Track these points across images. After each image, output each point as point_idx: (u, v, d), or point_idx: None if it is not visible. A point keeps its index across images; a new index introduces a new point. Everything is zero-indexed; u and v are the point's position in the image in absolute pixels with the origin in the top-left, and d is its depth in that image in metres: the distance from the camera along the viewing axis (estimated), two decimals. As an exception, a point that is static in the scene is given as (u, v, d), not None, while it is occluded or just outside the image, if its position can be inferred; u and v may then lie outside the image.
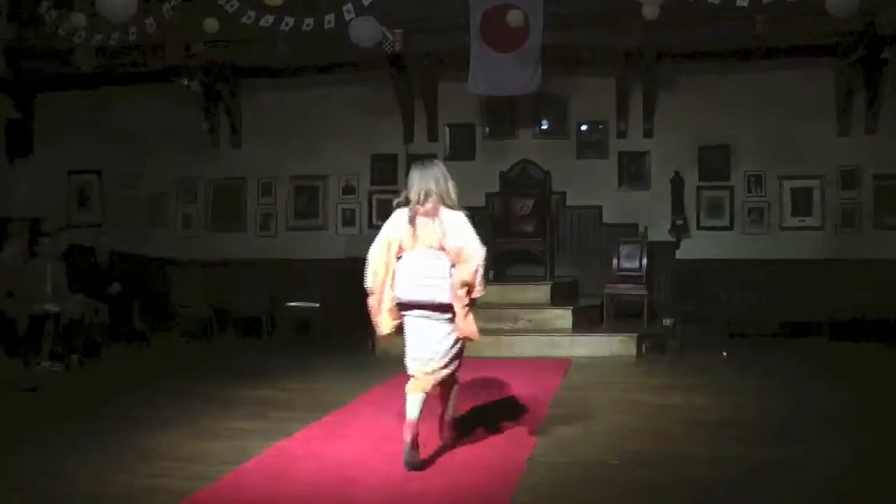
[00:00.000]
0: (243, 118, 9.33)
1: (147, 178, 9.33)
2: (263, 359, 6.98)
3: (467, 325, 3.75)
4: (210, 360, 6.92)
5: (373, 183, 9.13)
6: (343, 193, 9.20)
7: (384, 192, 9.06)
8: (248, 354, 7.27)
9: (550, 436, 4.27)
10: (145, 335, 7.73)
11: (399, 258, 3.78)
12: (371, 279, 3.80)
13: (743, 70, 8.29)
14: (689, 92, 8.46)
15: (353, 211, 9.17)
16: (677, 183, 8.51)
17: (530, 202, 8.36)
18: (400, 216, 3.80)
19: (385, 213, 8.90)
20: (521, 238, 8.13)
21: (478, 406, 4.74)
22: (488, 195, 8.54)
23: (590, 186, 8.66)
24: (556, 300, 7.53)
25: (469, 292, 3.71)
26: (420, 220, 3.73)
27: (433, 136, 9.01)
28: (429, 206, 3.72)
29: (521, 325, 7.23)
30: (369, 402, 5.24)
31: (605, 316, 7.60)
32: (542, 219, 8.26)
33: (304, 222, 9.27)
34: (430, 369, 3.78)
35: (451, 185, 3.78)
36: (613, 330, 7.22)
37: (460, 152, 8.88)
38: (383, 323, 3.81)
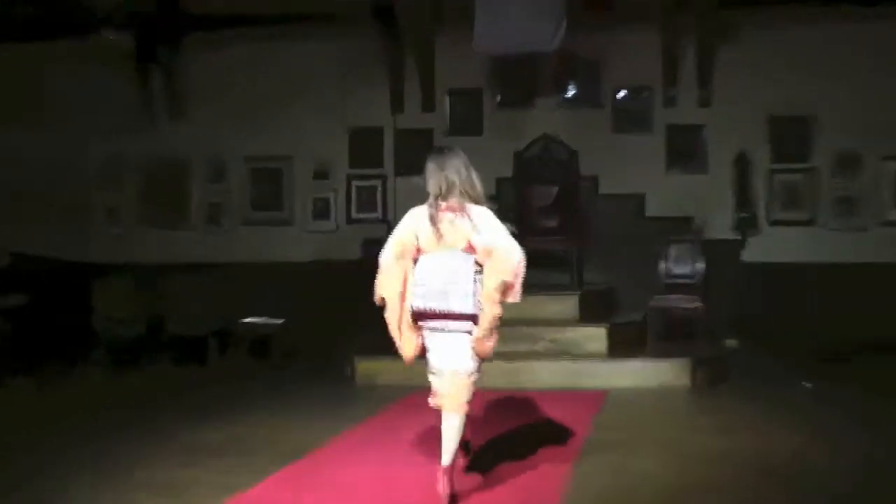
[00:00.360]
0: (186, 82, 9.32)
1: (60, 160, 9.27)
2: (212, 390, 6.97)
3: (484, 341, 4.02)
4: (143, 393, 6.89)
5: (352, 165, 9.14)
6: (314, 178, 9.21)
7: (366, 176, 9.11)
8: (193, 385, 7.26)
9: (580, 492, 4.30)
10: (60, 359, 7.69)
11: (416, 261, 4.09)
12: (381, 289, 4.12)
13: (831, 17, 8.19)
14: (758, 47, 8.42)
15: (326, 201, 9.16)
16: (742, 165, 8.50)
17: (553, 190, 8.33)
18: (418, 213, 4.11)
19: (367, 203, 9.24)
20: (541, 236, 7.98)
21: (487, 453, 4.76)
22: (499, 181, 8.48)
23: (629, 169, 8.62)
24: (587, 315, 7.52)
25: (504, 296, 4.02)
26: (444, 216, 4.04)
27: (429, 105, 9.00)
28: (453, 200, 4.04)
29: (541, 347, 7.21)
30: (347, 444, 5.26)
31: (649, 336, 7.59)
32: (569, 211, 8.28)
33: (263, 215, 9.27)
34: (456, 386, 4.07)
35: (475, 176, 4.12)
36: (660, 354, 7.21)
37: (463, 126, 8.85)
38: (405, 344, 4.14)
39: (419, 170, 9.74)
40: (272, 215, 9.25)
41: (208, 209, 9.40)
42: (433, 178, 4.08)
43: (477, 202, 4.09)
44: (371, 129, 9.07)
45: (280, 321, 8.29)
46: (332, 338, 7.97)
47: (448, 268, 4.00)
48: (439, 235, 4.03)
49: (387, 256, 4.12)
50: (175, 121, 9.36)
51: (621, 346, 7.24)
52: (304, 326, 8.22)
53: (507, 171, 8.53)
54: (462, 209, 4.04)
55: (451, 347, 4.07)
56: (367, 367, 7.11)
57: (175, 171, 9.38)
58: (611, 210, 8.62)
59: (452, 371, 4.08)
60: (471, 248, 4.01)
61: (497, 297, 4.00)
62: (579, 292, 7.74)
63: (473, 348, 4.06)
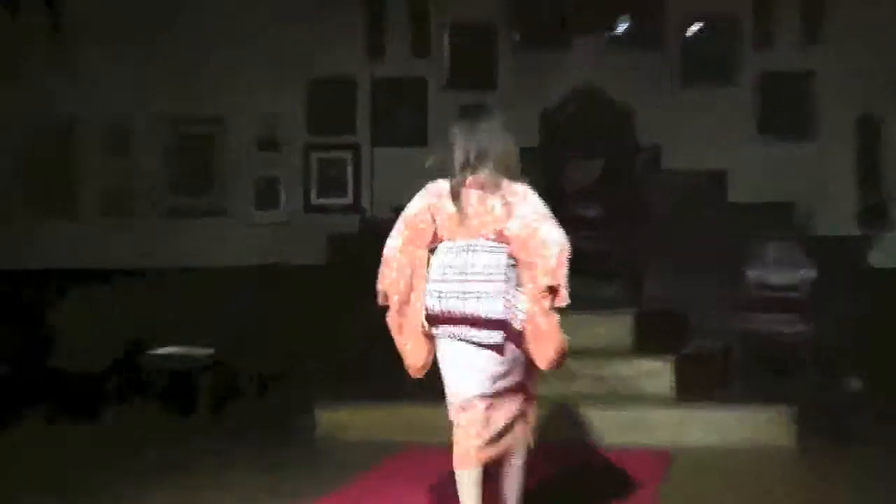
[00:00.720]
0: (73, 11, 9.26)
1: None
2: (108, 456, 6.83)
3: (545, 342, 4.27)
4: (5, 463, 6.66)
5: (312, 131, 9.19)
6: (258, 149, 9.23)
7: (332, 146, 9.15)
8: (79, 449, 7.09)
9: None
10: None
11: (433, 251, 4.40)
12: (385, 283, 4.42)
13: None
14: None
15: (275, 181, 9.20)
16: (869, 129, 8.50)
17: (596, 166, 8.39)
18: (436, 189, 4.43)
19: (334, 183, 9.16)
20: (579, 230, 7.85)
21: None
22: (521, 152, 8.39)
23: (705, 136, 8.64)
24: (646, 343, 7.53)
25: (552, 300, 4.28)
26: (471, 194, 4.35)
27: (421, 47, 9.07)
28: (484, 175, 4.33)
29: (580, 387, 7.15)
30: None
31: (733, 372, 7.55)
32: (619, 195, 8.30)
33: (186, 202, 9.29)
34: (481, 419, 4.33)
35: (512, 144, 4.46)
36: (749, 398, 7.18)
37: (470, 76, 8.87)
38: (412, 352, 4.44)
39: (407, 137, 9.69)
40: (199, 202, 9.28)
41: (107, 194, 9.36)
42: (460, 143, 4.38)
43: (513, 178, 4.37)
44: (339, 79, 9.10)
45: (209, 351, 8.27)
46: (285, 375, 7.94)
47: (472, 260, 4.27)
48: (463, 217, 4.32)
49: (393, 243, 4.40)
50: (59, 67, 9.27)
51: (693, 387, 7.22)
52: (245, 359, 8.19)
53: (531, 140, 8.46)
54: (495, 186, 4.32)
55: (474, 362, 4.30)
56: (334, 419, 7.12)
57: (58, 140, 9.33)
58: (679, 194, 8.53)
59: (477, 396, 4.31)
60: (502, 237, 4.29)
61: (546, 304, 4.26)
62: (634, 310, 7.74)
63: (526, 364, 4.33)
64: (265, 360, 8.15)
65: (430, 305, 4.31)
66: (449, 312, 4.28)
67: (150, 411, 8.09)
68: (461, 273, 4.27)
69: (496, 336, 4.23)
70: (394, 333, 4.45)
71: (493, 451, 4.36)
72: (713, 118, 8.63)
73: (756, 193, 8.46)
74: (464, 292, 4.24)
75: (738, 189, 8.57)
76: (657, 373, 7.21)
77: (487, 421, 4.34)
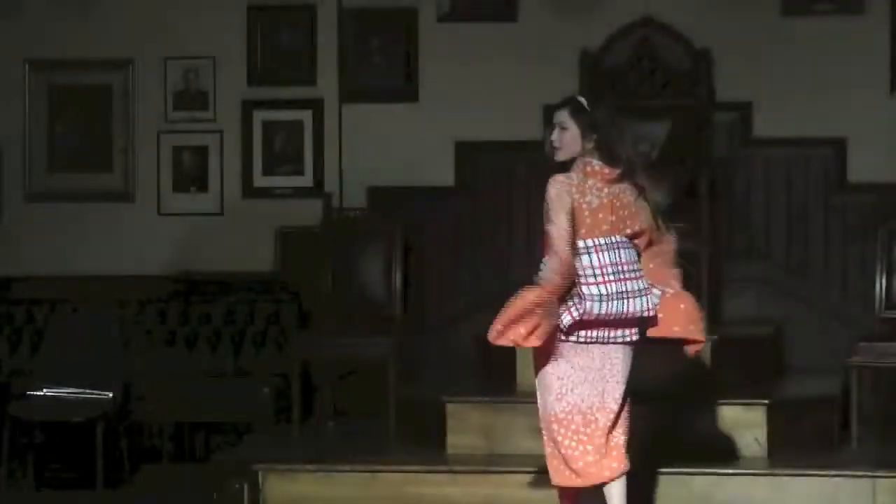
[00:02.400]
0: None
1: None
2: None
3: (697, 315, 5.90)
4: None
5: (254, 79, 9.50)
6: (175, 107, 9.51)
7: (282, 103, 9.44)
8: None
9: None
10: None
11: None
12: (562, 262, 5.64)
13: None
14: None
15: (201, 153, 9.52)
16: None
17: (659, 130, 8.60)
18: (571, 184, 5.81)
19: (285, 155, 9.26)
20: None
21: None
22: (550, 110, 8.41)
23: (816, 90, 8.96)
24: (727, 381, 7.71)
25: None
26: (613, 189, 5.85)
27: None
28: (619, 169, 5.85)
29: (639, 443, 6.93)
30: None
31: (855, 424, 7.69)
32: (692, 171, 8.55)
33: (71, 182, 9.55)
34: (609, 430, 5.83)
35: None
36: (870, 460, 7.30)
37: (479, 3, 8.99)
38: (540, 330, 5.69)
39: (389, 90, 9.76)
40: (90, 181, 9.59)
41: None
42: (611, 140, 5.88)
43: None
44: (293, 6, 9.48)
45: (107, 395, 8.41)
46: (215, 428, 8.26)
47: (621, 257, 5.76)
48: (605, 213, 5.77)
49: (563, 222, 5.68)
50: None
51: (793, 444, 7.41)
52: (156, 404, 8.46)
53: (567, 91, 8.17)
54: (625, 179, 5.84)
55: (615, 368, 5.79)
56: (284, 489, 7.23)
57: None
58: (777, 170, 8.87)
59: (618, 402, 5.79)
60: (633, 231, 5.83)
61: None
62: (713, 337, 7.73)
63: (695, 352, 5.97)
64: (186, 407, 8.38)
65: (589, 308, 5.66)
66: (609, 315, 5.69)
67: (22, 474, 8.34)
68: (616, 273, 5.74)
69: (636, 333, 5.76)
70: (542, 314, 5.60)
71: (624, 465, 5.78)
72: (827, 64, 8.87)
73: (886, 171, 8.71)
74: (624, 291, 5.71)
75: (861, 165, 8.81)
76: (744, 424, 7.31)
77: (613, 431, 5.77)
